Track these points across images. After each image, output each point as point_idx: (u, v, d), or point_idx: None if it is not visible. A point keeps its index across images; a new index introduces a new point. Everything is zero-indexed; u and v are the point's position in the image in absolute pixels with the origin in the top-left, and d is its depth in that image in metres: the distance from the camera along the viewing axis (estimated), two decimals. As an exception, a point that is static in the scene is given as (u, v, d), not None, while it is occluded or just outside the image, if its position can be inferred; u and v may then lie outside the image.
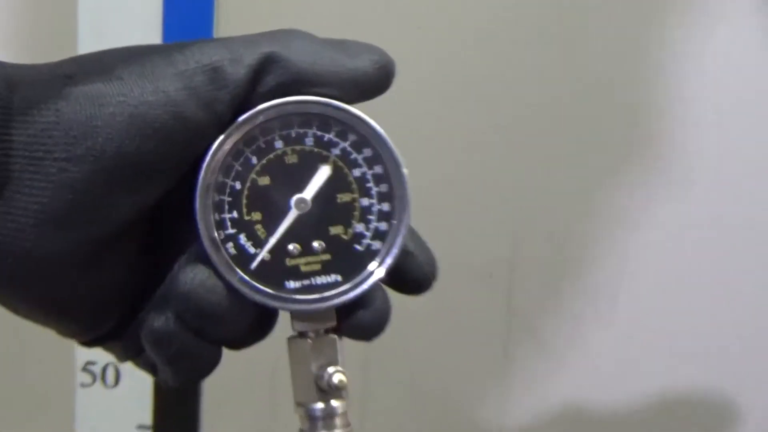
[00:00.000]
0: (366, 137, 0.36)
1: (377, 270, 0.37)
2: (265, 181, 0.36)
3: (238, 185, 0.36)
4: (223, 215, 0.35)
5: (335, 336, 0.37)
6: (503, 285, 0.88)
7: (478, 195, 0.86)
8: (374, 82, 0.35)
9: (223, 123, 0.34)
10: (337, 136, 0.36)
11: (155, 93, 0.33)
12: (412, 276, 0.37)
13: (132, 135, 0.32)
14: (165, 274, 0.37)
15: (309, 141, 0.36)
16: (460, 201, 0.87)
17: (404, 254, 0.37)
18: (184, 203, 0.35)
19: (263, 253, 0.36)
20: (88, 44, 0.67)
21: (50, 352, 0.78)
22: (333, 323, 0.37)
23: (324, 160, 0.36)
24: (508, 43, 0.83)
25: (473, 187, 0.86)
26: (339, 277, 0.37)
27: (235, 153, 0.35)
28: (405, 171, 0.36)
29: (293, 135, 0.36)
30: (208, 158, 0.35)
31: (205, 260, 0.35)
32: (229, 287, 0.35)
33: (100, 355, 0.53)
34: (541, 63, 0.83)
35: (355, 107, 0.36)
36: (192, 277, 0.35)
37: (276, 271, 0.36)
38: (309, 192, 0.36)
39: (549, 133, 0.85)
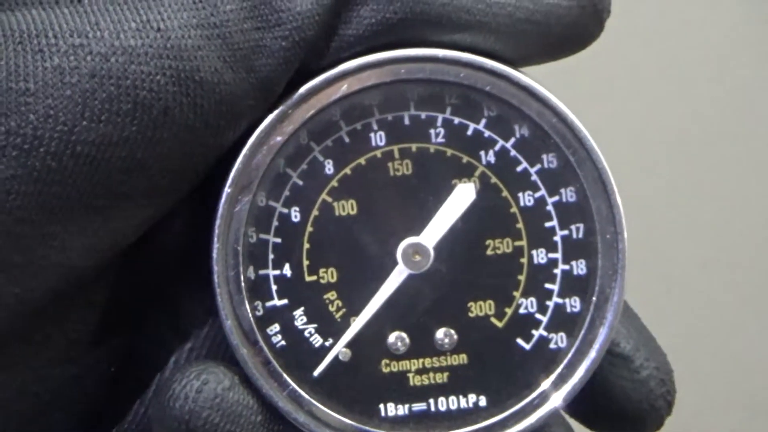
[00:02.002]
0: (547, 133, 0.27)
1: (556, 393, 0.27)
2: (347, 208, 0.27)
3: (295, 215, 0.27)
4: (263, 272, 0.27)
5: None
6: None
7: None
8: (570, 26, 0.26)
9: (271, 93, 0.26)
10: (490, 127, 0.27)
11: (143, 32, 0.23)
12: (624, 401, 0.27)
13: (94, 112, 0.23)
14: (146, 380, 0.28)
15: (436, 136, 0.27)
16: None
17: (612, 361, 0.27)
18: (186, 248, 0.27)
19: (339, 349, 0.27)
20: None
21: None
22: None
23: (463, 173, 0.27)
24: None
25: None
26: (483, 401, 0.27)
27: (293, 152, 0.27)
28: (618, 200, 0.27)
29: (406, 123, 0.27)
30: (239, 161, 0.26)
31: (225, 356, 0.27)
32: (271, 409, 0.26)
33: None
34: None
35: (527, 75, 0.26)
36: (197, 387, 0.26)
37: (362, 382, 0.27)
38: (431, 235, 0.27)
39: None
